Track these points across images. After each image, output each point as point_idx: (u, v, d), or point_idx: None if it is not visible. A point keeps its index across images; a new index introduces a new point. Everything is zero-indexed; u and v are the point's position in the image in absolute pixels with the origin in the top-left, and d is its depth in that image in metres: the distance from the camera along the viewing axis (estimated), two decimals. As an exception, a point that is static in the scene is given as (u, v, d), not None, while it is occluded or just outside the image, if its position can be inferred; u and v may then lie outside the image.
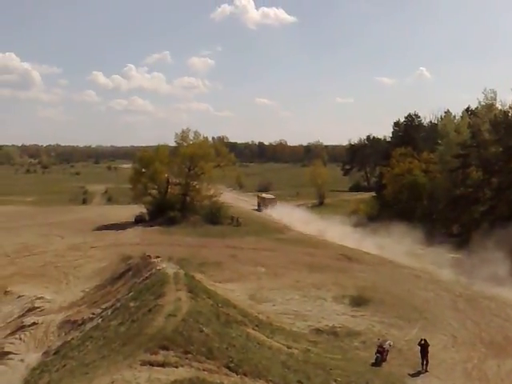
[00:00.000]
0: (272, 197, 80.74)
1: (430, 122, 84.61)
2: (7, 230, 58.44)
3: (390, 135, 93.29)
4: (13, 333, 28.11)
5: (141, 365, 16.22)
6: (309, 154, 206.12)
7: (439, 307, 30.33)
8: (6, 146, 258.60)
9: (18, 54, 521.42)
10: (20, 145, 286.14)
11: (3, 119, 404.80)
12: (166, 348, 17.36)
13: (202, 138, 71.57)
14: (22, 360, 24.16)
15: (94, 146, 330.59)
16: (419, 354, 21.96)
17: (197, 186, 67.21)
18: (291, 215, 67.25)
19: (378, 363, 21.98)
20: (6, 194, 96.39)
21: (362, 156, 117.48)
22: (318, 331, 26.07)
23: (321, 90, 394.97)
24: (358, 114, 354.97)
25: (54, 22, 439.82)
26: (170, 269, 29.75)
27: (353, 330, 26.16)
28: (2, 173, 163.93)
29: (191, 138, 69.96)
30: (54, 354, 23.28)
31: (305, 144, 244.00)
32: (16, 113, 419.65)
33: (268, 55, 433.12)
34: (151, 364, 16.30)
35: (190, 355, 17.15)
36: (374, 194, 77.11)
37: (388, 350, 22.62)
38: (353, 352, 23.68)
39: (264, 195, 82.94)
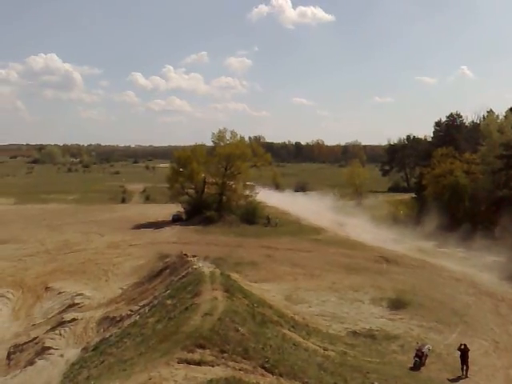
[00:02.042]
0: (252, 184, 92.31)
1: (472, 121, 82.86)
2: (49, 228, 60.03)
3: (431, 135, 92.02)
4: (53, 328, 28.73)
5: (178, 362, 16.30)
6: (346, 154, 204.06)
7: (480, 311, 29.59)
8: (49, 145, 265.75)
9: (60, 55, 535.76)
10: (62, 144, 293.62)
11: (47, 119, 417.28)
12: (202, 347, 17.42)
13: (238, 137, 71.53)
14: (61, 355, 24.61)
15: (133, 145, 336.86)
16: (459, 359, 21.47)
17: (233, 186, 67.45)
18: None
19: (416, 367, 21.58)
20: (48, 193, 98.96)
21: (401, 156, 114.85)
22: (355, 334, 25.74)
23: (359, 90, 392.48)
24: (397, 114, 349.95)
25: (93, 24, 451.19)
26: (206, 268, 29.97)
27: (391, 333, 25.74)
28: (44, 172, 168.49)
29: (228, 138, 70.08)
30: (93, 349, 23.66)
31: (342, 144, 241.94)
32: (59, 113, 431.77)
33: (305, 54, 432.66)
34: (188, 362, 16.36)
35: (226, 354, 17.17)
36: (413, 195, 75.69)
37: (427, 355, 22.16)
38: (390, 356, 23.28)
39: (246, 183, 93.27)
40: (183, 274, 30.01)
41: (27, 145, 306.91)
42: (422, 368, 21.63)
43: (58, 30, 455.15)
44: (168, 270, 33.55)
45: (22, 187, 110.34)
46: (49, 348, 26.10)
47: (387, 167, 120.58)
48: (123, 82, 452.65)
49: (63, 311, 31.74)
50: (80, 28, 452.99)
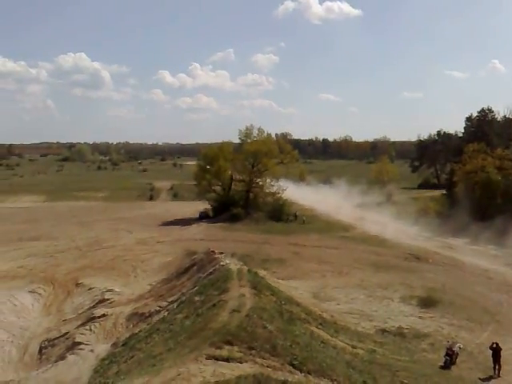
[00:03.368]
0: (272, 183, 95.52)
1: (505, 116, 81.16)
2: (80, 225, 60.99)
3: (462, 131, 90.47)
4: (84, 324, 29.15)
5: (206, 359, 16.31)
6: (375, 150, 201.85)
7: (513, 310, 28.88)
8: (79, 143, 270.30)
9: (89, 54, 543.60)
10: (91, 142, 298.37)
11: (76, 118, 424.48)
12: (230, 343, 17.40)
13: (265, 134, 71.35)
14: (91, 350, 24.89)
15: (160, 143, 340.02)
16: (491, 358, 21.00)
17: (260, 183, 67.38)
18: None
19: (447, 366, 21.20)
20: (78, 190, 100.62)
21: (431, 152, 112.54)
22: (384, 332, 25.45)
23: (387, 85, 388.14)
24: (427, 109, 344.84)
25: (121, 23, 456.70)
26: (233, 265, 29.98)
27: (421, 331, 25.37)
28: (75, 169, 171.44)
29: (255, 135, 69.91)
30: (123, 345, 23.89)
31: (371, 140, 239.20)
32: (88, 111, 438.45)
33: (332, 50, 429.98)
34: (216, 358, 16.36)
35: (253, 351, 17.11)
36: (444, 191, 74.47)
37: (457, 353, 21.77)
38: (420, 354, 22.94)
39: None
40: (211, 270, 30.11)
41: (57, 143, 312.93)
42: (453, 367, 21.25)
43: (87, 29, 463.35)
44: (196, 267, 33.73)
45: (53, 185, 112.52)
46: (79, 343, 26.51)
47: (417, 163, 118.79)
48: (151, 80, 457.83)
49: (93, 307, 32.13)
50: (108, 27, 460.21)
